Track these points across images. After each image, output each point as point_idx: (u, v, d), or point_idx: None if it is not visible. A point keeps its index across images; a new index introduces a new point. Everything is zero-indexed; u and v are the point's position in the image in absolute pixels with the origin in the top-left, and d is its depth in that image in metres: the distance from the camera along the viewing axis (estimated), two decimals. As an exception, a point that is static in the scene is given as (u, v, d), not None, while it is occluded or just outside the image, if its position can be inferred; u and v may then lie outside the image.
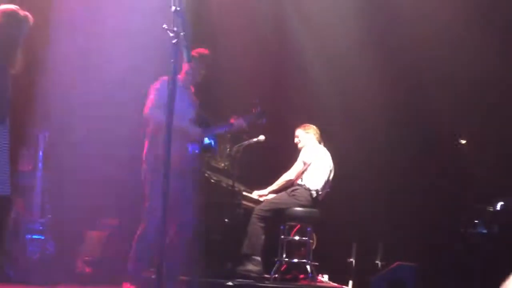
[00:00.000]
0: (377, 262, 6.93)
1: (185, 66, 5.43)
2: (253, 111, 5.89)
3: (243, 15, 7.97)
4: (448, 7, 7.23)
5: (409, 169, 7.58)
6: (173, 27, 3.37)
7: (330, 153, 7.16)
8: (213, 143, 5.62)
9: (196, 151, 5.48)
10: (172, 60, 3.37)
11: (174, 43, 3.37)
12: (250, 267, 6.53)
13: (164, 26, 3.41)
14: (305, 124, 7.29)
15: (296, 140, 7.26)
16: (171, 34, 3.37)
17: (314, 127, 7.27)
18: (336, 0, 7.93)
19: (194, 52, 5.05)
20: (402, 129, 7.66)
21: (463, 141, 6.79)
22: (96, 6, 7.31)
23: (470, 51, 7.14)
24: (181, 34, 3.42)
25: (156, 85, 5.43)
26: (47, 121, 6.70)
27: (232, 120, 5.68)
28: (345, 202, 7.40)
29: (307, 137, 7.17)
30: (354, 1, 7.83)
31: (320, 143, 7.19)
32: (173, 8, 3.38)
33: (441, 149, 7.45)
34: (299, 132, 7.24)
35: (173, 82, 3.42)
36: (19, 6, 4.16)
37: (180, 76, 5.38)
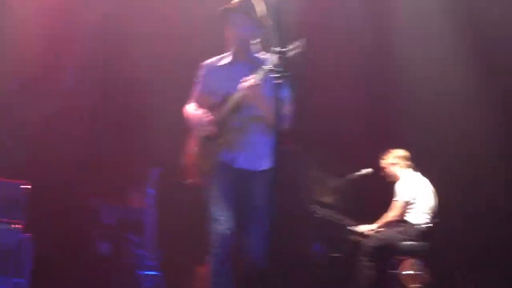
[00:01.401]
0: None
1: None
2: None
3: (341, 16, 7.79)
4: None
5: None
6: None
7: (429, 176, 6.97)
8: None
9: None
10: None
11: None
12: None
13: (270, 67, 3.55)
14: (389, 152, 7.05)
15: (388, 169, 7.02)
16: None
17: (403, 152, 7.02)
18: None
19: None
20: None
21: None
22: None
23: None
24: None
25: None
26: (157, 159, 6.86)
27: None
28: (457, 233, 7.10)
29: (398, 167, 6.97)
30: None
31: (413, 170, 7.00)
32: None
33: None
34: (392, 159, 7.01)
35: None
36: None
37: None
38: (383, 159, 7.11)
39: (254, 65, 4.08)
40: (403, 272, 6.71)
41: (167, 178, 6.71)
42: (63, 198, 7.08)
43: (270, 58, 3.90)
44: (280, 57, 3.37)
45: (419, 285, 6.62)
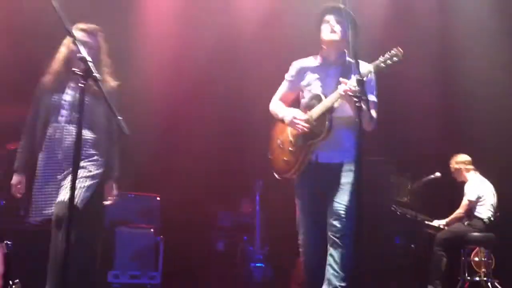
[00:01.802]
0: None
1: None
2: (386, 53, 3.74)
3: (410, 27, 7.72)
4: None
5: None
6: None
7: (491, 178, 7.18)
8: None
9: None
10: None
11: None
12: None
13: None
14: (457, 155, 7.35)
15: (454, 172, 7.33)
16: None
17: (467, 157, 7.32)
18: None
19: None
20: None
21: None
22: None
23: None
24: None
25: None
26: (260, 172, 6.94)
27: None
28: None
29: (465, 170, 7.27)
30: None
31: (475, 172, 7.25)
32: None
33: None
34: (455, 164, 7.32)
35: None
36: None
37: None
38: (451, 164, 7.36)
39: (346, 68, 3.94)
40: (474, 259, 7.10)
41: (269, 187, 7.04)
42: (188, 206, 7.44)
43: (362, 65, 3.67)
44: (359, 81, 3.28)
45: (487, 270, 6.91)
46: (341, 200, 3.77)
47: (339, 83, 3.75)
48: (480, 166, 7.35)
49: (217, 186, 7.74)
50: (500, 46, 7.90)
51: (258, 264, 7.16)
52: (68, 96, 3.92)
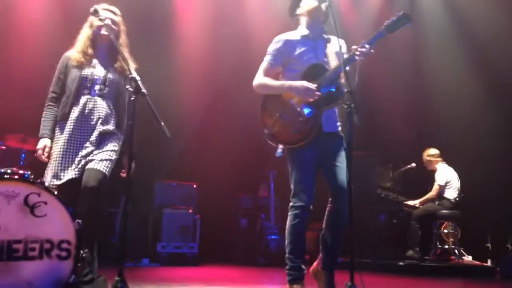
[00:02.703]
0: (507, 245, 6.76)
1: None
2: (389, 20, 3.24)
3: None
4: None
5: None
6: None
7: (455, 167, 7.09)
8: (334, 89, 3.38)
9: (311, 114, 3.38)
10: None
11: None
12: (412, 253, 6.74)
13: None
14: (428, 149, 7.27)
15: (426, 163, 7.26)
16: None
17: (436, 150, 7.22)
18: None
19: None
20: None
21: None
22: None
23: None
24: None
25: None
26: (274, 164, 7.02)
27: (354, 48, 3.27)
28: (477, 203, 7.05)
29: (435, 161, 7.19)
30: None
31: (443, 162, 7.17)
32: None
33: None
34: (426, 157, 7.24)
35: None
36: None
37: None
38: (423, 156, 7.31)
39: (327, 41, 3.55)
40: (443, 231, 7.07)
41: (280, 175, 6.80)
42: (218, 192, 7.42)
43: (334, 40, 3.45)
44: (349, 92, 3.03)
45: (454, 240, 6.87)
46: (343, 177, 3.31)
47: (326, 54, 3.46)
48: (447, 157, 7.29)
49: (240, 176, 7.69)
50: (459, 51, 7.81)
51: (273, 237, 7.07)
52: (100, 72, 3.49)
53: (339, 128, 3.52)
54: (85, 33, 3.56)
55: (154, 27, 7.17)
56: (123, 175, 3.36)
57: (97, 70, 3.50)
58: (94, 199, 3.19)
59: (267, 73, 3.55)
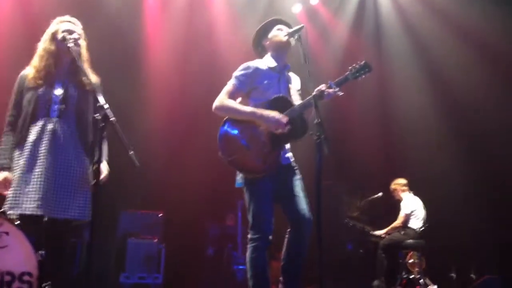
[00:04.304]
0: (471, 275, 6.88)
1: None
2: (353, 67, 3.40)
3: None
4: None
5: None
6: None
7: (422, 196, 7.16)
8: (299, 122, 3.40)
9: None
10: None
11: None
12: (377, 283, 6.76)
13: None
14: (396, 179, 7.35)
15: (392, 192, 7.32)
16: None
17: (403, 180, 7.31)
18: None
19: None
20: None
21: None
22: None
23: None
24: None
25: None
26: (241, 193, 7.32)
27: (323, 87, 3.33)
28: (442, 233, 7.13)
29: (401, 190, 7.26)
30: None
31: (409, 191, 7.25)
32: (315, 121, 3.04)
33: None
34: (394, 187, 7.31)
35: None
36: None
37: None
38: (391, 186, 7.38)
39: (291, 78, 3.64)
40: (408, 261, 7.03)
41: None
42: (184, 220, 7.21)
43: (295, 77, 3.63)
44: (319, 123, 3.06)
45: (419, 269, 6.86)
46: (304, 205, 3.38)
47: (288, 88, 3.53)
48: (413, 187, 7.38)
49: (207, 204, 7.61)
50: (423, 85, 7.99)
51: (240, 267, 6.98)
52: (58, 91, 3.26)
53: (292, 159, 3.54)
54: (45, 48, 3.33)
55: (123, 50, 7.09)
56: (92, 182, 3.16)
57: (56, 89, 3.28)
58: (58, 230, 3.13)
59: (231, 97, 3.49)
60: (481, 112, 7.38)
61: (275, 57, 3.60)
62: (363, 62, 3.37)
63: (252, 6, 7.59)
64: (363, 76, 3.37)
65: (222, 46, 7.67)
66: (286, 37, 3.53)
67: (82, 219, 3.19)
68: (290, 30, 3.51)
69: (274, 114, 3.37)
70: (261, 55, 3.71)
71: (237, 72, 3.54)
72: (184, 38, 7.60)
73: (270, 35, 3.63)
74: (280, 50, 3.59)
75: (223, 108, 3.45)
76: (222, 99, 3.48)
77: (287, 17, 3.94)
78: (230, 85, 3.52)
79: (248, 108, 3.44)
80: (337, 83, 3.34)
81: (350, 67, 3.39)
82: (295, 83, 3.62)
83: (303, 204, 3.37)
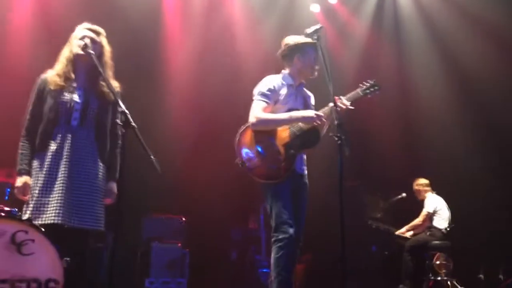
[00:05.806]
0: (500, 276, 6.79)
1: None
2: (363, 84, 3.74)
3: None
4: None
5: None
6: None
7: (445, 197, 7.10)
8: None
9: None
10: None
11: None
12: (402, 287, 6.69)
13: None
14: (418, 179, 7.30)
15: (415, 192, 7.28)
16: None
17: (425, 180, 7.25)
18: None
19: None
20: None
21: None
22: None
23: None
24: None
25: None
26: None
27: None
28: (469, 233, 7.08)
29: (424, 191, 7.22)
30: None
31: (432, 192, 7.20)
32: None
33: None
34: (416, 186, 7.28)
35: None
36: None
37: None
38: (413, 186, 7.34)
39: (306, 93, 3.86)
40: (436, 262, 6.90)
41: None
42: (208, 225, 7.25)
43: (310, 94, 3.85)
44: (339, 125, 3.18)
45: (447, 271, 6.78)
46: (299, 227, 3.57)
47: (304, 103, 3.76)
48: (437, 187, 7.31)
49: (230, 208, 7.60)
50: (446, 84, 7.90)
51: (264, 270, 6.93)
52: (79, 97, 3.26)
53: (305, 172, 3.73)
54: (64, 54, 3.35)
55: (144, 57, 7.14)
56: (107, 202, 3.30)
57: (77, 96, 3.27)
58: (79, 238, 3.17)
59: (264, 111, 3.66)
60: (508, 109, 7.31)
61: (295, 77, 3.79)
62: (373, 81, 3.67)
63: (272, 6, 7.64)
64: (372, 94, 3.67)
65: (242, 47, 7.70)
66: (316, 67, 3.74)
67: (98, 229, 3.25)
68: (309, 31, 3.57)
69: (308, 110, 3.65)
70: (281, 64, 3.88)
71: (261, 88, 3.72)
72: (203, 41, 7.59)
73: (304, 59, 3.76)
74: (304, 77, 3.83)
75: (262, 122, 3.62)
76: (257, 114, 3.63)
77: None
78: (260, 102, 3.68)
79: (284, 115, 3.62)
80: (348, 98, 3.60)
81: (360, 84, 3.65)
82: (310, 99, 3.88)
83: (303, 215, 3.63)
